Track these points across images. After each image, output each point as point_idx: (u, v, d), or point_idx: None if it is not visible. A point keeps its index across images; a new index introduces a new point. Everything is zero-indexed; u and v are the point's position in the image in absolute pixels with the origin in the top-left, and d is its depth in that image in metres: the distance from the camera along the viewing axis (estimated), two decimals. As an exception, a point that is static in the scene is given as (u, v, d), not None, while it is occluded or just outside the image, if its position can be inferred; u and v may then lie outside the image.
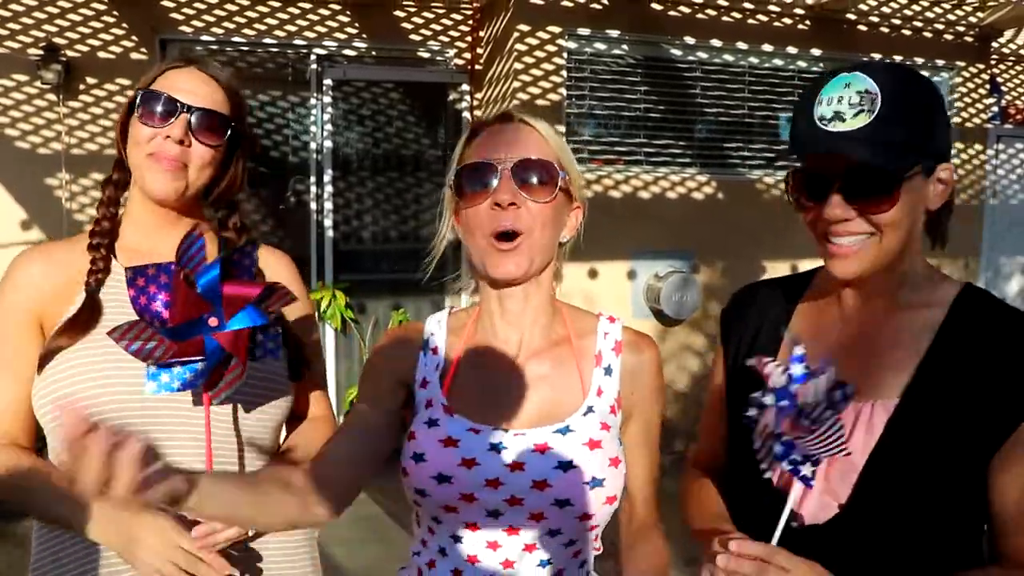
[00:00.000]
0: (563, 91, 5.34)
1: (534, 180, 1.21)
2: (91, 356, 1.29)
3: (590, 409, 1.23)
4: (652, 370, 1.31)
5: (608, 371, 1.27)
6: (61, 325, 1.31)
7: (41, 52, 4.90)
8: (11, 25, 4.95)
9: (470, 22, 5.73)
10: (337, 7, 5.48)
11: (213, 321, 1.19)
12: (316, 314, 1.59)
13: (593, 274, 5.41)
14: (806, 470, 1.03)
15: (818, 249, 1.18)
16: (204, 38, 5.24)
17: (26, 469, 1.30)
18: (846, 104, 1.08)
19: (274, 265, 1.50)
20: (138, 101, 1.34)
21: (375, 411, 1.29)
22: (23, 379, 1.32)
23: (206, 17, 5.25)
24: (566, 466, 1.17)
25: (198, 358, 1.20)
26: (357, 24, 5.54)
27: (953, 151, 6.30)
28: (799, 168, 1.16)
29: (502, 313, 1.28)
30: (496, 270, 1.22)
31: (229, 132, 1.38)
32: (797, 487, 1.05)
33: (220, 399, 1.27)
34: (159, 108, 1.32)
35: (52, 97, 5.02)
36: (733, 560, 1.01)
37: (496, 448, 1.18)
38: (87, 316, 1.31)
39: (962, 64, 6.31)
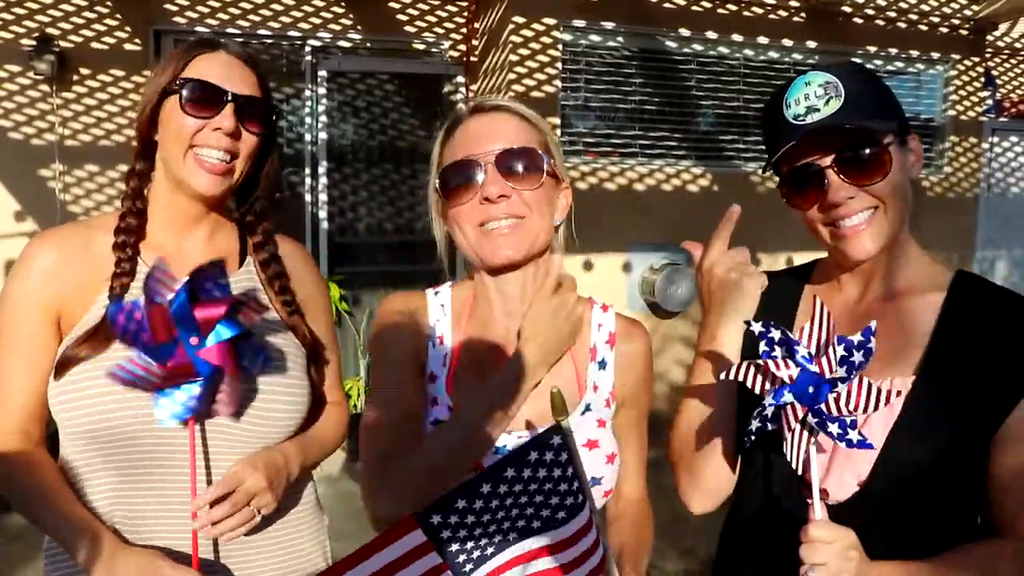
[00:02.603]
0: (558, 83, 5.33)
1: (520, 169, 1.18)
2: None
3: (587, 407, 1.24)
4: (644, 359, 1.32)
5: (602, 365, 1.27)
6: (82, 334, 1.26)
7: (34, 43, 4.87)
8: (4, 15, 4.92)
9: (465, 14, 5.71)
10: (332, -2, 5.46)
11: (194, 340, 1.16)
12: (330, 301, 1.56)
13: (588, 266, 5.42)
14: (853, 435, 1.02)
15: (824, 243, 1.21)
16: (198, 29, 5.21)
17: (43, 497, 1.25)
18: (813, 98, 1.15)
19: (288, 254, 1.48)
20: (181, 90, 1.23)
21: (415, 395, 1.23)
22: (40, 373, 1.27)
23: (200, 8, 5.22)
24: None
25: (193, 380, 1.17)
26: (352, 16, 5.52)
27: (948, 144, 6.38)
28: (789, 170, 1.19)
29: (500, 301, 1.26)
30: (494, 256, 1.19)
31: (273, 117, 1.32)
32: (815, 465, 1.05)
33: (235, 415, 1.24)
34: (205, 98, 1.23)
35: (45, 88, 4.99)
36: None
37: (498, 451, 1.17)
38: (108, 328, 1.22)
39: (957, 57, 6.32)
